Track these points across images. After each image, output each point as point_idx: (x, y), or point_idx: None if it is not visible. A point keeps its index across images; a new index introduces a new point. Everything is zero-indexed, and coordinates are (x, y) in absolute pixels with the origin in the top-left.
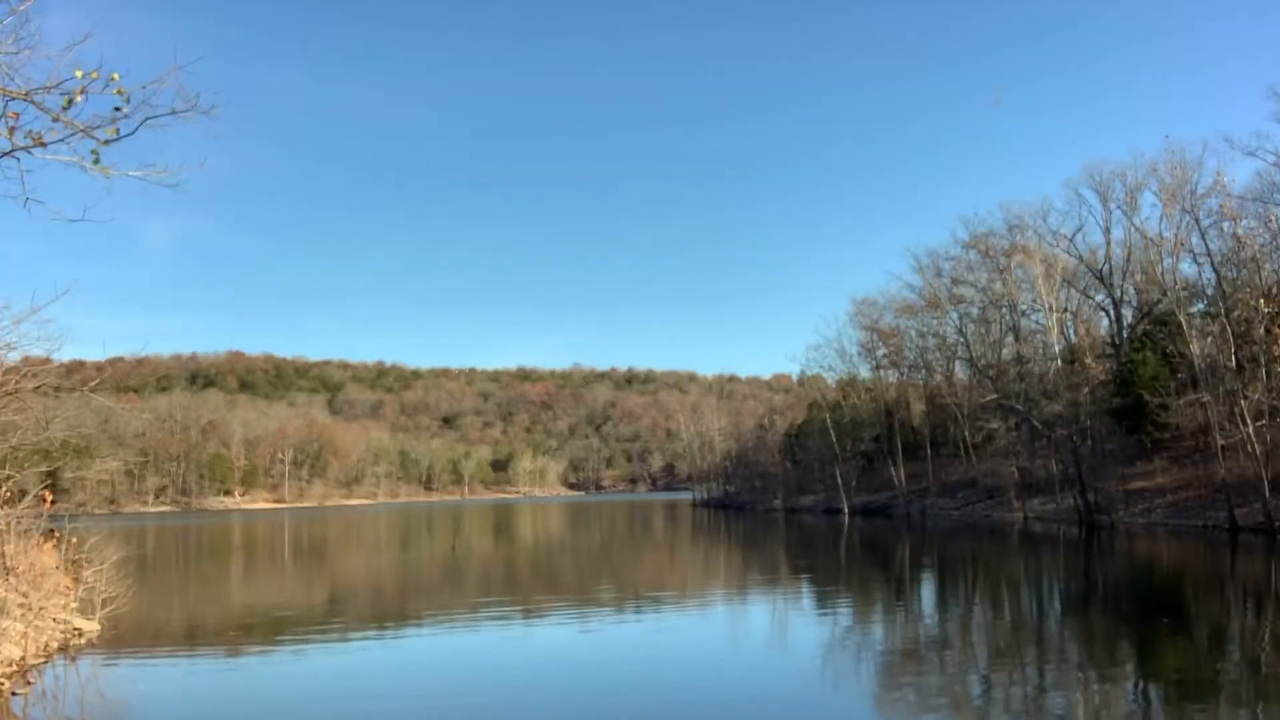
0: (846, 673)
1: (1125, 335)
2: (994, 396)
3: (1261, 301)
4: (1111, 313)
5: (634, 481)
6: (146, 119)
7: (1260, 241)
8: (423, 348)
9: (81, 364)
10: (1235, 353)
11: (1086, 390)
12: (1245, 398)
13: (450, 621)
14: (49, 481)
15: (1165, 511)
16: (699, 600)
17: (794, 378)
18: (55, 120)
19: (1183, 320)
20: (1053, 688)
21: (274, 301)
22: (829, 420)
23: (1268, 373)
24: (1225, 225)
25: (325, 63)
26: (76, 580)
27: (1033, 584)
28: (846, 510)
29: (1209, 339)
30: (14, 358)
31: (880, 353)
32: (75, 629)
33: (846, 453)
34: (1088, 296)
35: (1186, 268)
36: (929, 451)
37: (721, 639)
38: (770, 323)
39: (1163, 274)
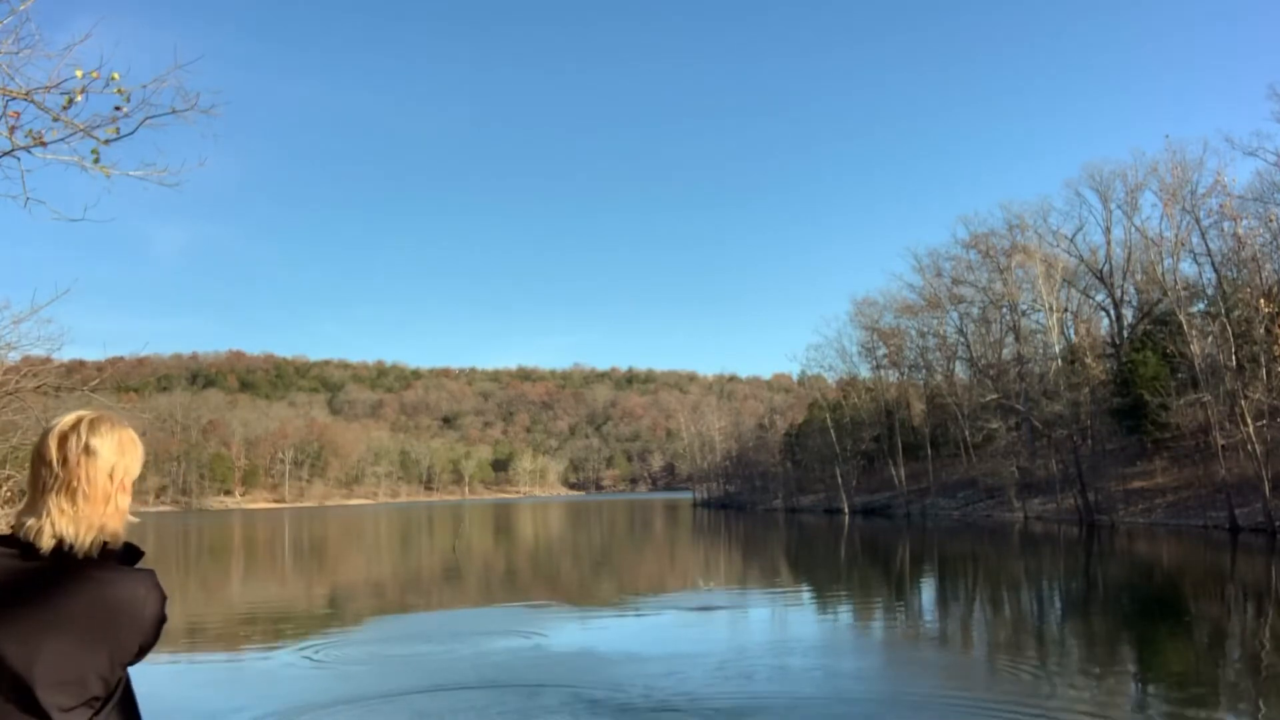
0: (846, 672)
1: (1125, 335)
2: (994, 396)
3: (1262, 301)
4: (1112, 313)
5: (634, 481)
6: (147, 118)
7: (1260, 241)
8: (423, 348)
9: (82, 364)
10: (1235, 353)
11: (1086, 390)
12: (1245, 398)
13: (449, 622)
14: None
15: (1165, 511)
16: (699, 600)
17: (794, 378)
18: (55, 120)
19: (1183, 320)
20: (1053, 686)
21: (275, 302)
22: (829, 420)
23: (1268, 373)
24: (1226, 225)
25: (328, 68)
26: None
27: (1033, 583)
28: (847, 510)
29: (1209, 339)
30: (14, 358)
31: (880, 353)
32: None
33: (846, 453)
34: (1088, 296)
35: (1187, 268)
36: (929, 451)
37: (721, 638)
38: (770, 323)
39: (1163, 274)
